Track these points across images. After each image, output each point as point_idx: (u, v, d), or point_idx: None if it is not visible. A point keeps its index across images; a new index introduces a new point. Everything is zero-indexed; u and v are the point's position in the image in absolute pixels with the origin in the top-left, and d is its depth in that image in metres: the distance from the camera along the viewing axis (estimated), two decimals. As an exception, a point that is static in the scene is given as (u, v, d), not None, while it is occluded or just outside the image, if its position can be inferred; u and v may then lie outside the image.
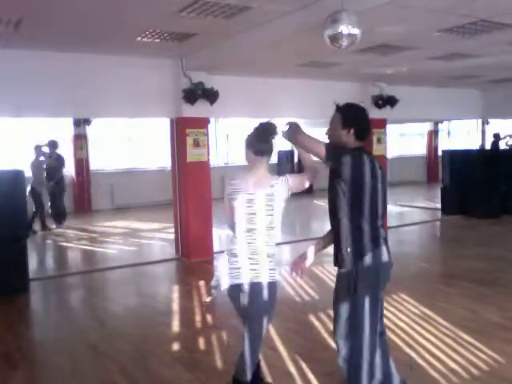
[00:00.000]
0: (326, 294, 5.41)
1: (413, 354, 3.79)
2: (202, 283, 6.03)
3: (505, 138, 13.13)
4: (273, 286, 2.81)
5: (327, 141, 2.93)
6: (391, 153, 14.00)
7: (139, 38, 5.55)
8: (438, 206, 11.00)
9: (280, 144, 15.92)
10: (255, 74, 7.54)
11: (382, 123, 9.08)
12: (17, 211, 5.71)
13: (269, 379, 3.47)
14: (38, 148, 9.58)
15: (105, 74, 6.46)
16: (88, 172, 12.47)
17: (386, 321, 4.49)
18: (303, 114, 8.87)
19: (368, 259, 2.77)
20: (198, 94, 6.78)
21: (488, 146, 12.80)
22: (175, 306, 5.28)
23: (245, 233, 2.84)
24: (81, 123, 12.05)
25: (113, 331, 4.62)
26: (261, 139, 2.86)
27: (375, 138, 9.00)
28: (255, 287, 2.78)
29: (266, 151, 2.87)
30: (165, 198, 10.28)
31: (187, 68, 6.77)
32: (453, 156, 10.88)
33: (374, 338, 2.81)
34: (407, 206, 12.03)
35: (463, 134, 18.41)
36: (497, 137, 13.09)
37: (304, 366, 3.69)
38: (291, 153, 15.41)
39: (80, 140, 12.37)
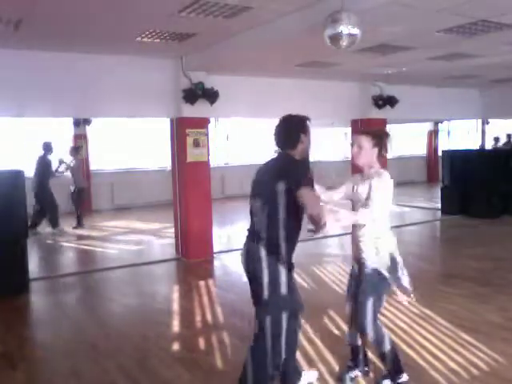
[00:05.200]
0: (326, 294, 5.42)
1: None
2: (201, 283, 6.04)
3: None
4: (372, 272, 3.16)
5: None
6: (391, 153, 14.00)
7: (139, 38, 5.55)
8: (438, 205, 11.01)
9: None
10: (255, 73, 7.54)
11: (382, 123, 9.08)
12: (17, 211, 5.70)
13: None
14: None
15: (105, 74, 6.46)
16: (88, 172, 12.48)
17: (386, 321, 4.51)
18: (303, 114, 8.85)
19: None
20: (198, 93, 6.78)
21: (489, 146, 12.81)
22: (175, 306, 5.28)
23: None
24: (81, 123, 12.05)
25: (113, 331, 4.62)
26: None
27: (375, 138, 8.99)
28: None
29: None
30: (165, 198, 10.29)
31: (187, 68, 6.77)
32: (453, 156, 10.88)
33: None
34: (407, 206, 12.03)
35: (463, 134, 18.41)
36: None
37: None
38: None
39: (80, 140, 12.37)
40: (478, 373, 3.53)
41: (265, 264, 2.90)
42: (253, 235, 3.02)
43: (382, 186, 3.07)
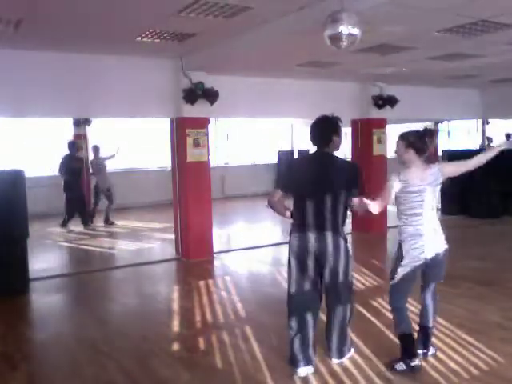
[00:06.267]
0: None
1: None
2: (201, 283, 6.04)
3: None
4: (445, 253, 3.56)
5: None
6: (391, 153, 14.00)
7: (139, 38, 5.55)
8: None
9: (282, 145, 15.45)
10: (255, 74, 7.53)
11: (382, 123, 9.08)
12: (17, 211, 5.70)
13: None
14: (96, 148, 10.46)
15: (105, 73, 6.46)
16: (88, 172, 12.46)
17: (386, 320, 4.51)
18: (303, 114, 8.88)
19: None
20: (198, 93, 6.77)
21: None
22: (175, 306, 5.28)
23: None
24: (81, 123, 12.04)
25: (113, 331, 4.62)
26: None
27: (375, 138, 9.01)
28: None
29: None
30: (165, 198, 10.29)
31: (187, 68, 6.77)
32: (453, 156, 10.84)
33: None
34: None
35: (463, 134, 18.41)
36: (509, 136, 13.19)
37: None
38: (291, 152, 15.43)
39: (80, 140, 12.36)
40: (478, 372, 3.54)
41: (345, 249, 3.53)
42: (325, 225, 3.45)
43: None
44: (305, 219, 3.50)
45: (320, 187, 3.46)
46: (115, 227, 10.12)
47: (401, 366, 3.54)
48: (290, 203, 3.61)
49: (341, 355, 3.73)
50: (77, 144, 10.10)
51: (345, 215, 3.55)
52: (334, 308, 3.65)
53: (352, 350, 3.85)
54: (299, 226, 3.53)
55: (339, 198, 3.46)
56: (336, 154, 3.63)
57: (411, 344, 3.57)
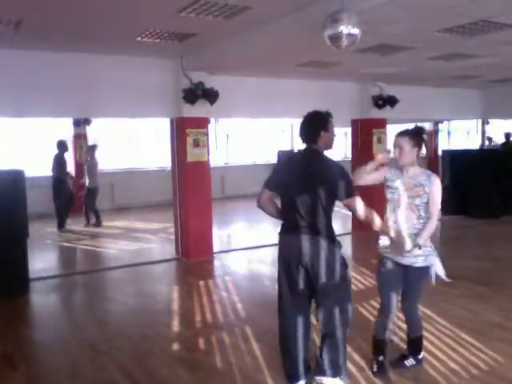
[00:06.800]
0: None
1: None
2: (201, 283, 6.04)
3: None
4: None
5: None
6: (391, 153, 13.96)
7: (139, 38, 5.56)
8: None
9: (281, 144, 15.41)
10: (255, 74, 7.54)
11: (382, 123, 9.08)
12: (17, 211, 5.70)
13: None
14: (90, 148, 10.37)
15: (105, 74, 6.45)
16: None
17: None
18: (303, 114, 8.88)
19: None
20: (198, 93, 6.77)
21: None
22: (175, 306, 5.28)
23: None
24: (81, 123, 12.04)
25: (113, 331, 4.63)
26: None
27: (375, 138, 9.00)
28: None
29: None
30: (165, 198, 10.29)
31: (187, 68, 6.77)
32: (453, 156, 10.87)
33: None
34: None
35: (463, 134, 18.42)
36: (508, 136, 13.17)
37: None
38: (291, 152, 15.43)
39: (80, 140, 12.37)
40: (478, 372, 3.54)
41: (339, 255, 3.28)
42: (312, 226, 3.21)
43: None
44: (292, 220, 3.26)
45: (306, 186, 3.21)
46: (117, 228, 10.12)
47: (411, 361, 3.62)
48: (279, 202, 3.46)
49: (323, 373, 3.31)
50: (66, 143, 10.02)
51: (330, 218, 3.28)
52: (324, 316, 3.31)
53: (340, 379, 3.34)
54: (287, 227, 3.32)
55: (326, 198, 3.19)
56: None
57: (422, 342, 3.70)
